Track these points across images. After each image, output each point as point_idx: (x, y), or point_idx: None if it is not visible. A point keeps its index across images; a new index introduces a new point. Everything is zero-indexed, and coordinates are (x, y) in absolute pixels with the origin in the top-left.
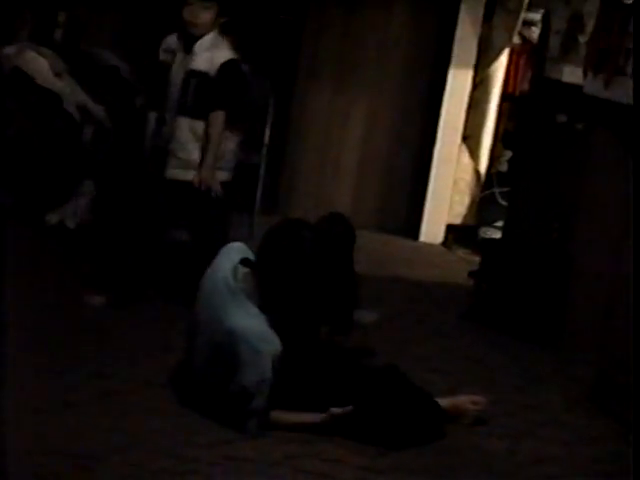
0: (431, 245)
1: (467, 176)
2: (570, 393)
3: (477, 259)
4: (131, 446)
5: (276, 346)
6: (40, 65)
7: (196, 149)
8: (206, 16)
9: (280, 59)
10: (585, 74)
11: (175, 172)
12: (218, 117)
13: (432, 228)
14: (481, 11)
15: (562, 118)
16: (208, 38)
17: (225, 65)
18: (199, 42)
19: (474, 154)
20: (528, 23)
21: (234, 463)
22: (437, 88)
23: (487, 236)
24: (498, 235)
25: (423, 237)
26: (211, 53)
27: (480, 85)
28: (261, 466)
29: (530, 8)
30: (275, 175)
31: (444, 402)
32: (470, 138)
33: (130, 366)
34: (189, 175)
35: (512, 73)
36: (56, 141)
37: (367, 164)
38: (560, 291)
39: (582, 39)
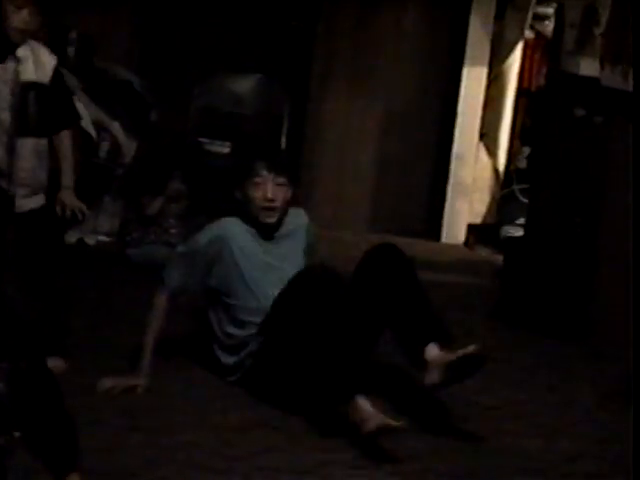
0: (453, 246)
1: (486, 174)
2: (602, 389)
3: (500, 258)
4: (163, 461)
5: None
6: None
7: (44, 172)
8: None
9: (293, 65)
10: (602, 66)
11: (25, 202)
12: (68, 132)
13: (453, 228)
14: (492, 8)
15: (580, 112)
16: (27, 44)
17: (57, 70)
18: (21, 49)
19: (492, 152)
20: (541, 17)
21: (268, 473)
22: (452, 87)
23: (509, 234)
24: (520, 232)
25: (445, 238)
26: (35, 59)
27: (495, 82)
28: (294, 476)
29: (542, 2)
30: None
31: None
32: (487, 136)
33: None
34: (41, 201)
35: (527, 68)
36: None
37: (385, 167)
38: (586, 286)
39: (597, 31)
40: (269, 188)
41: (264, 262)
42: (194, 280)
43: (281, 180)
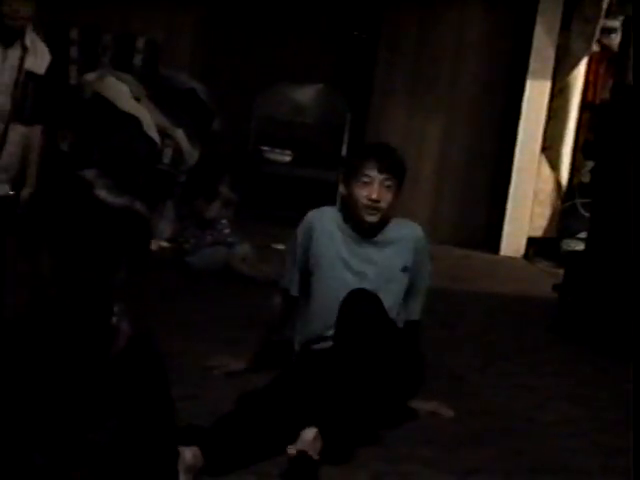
0: (512, 258)
1: (548, 187)
2: None
3: (560, 272)
4: None
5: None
6: (120, 90)
7: (32, 164)
8: (28, 9)
9: (355, 76)
10: None
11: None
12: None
13: (513, 241)
14: (558, 20)
15: None
16: (28, 34)
17: (51, 66)
18: (27, 37)
19: (554, 165)
20: (607, 30)
21: None
22: (515, 99)
23: (570, 248)
24: (581, 247)
25: (504, 250)
26: (33, 50)
27: (559, 95)
28: None
29: (609, 15)
30: None
31: (417, 404)
32: (550, 149)
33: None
34: (5, 190)
35: (592, 81)
36: (137, 165)
37: (445, 178)
38: None
39: None
40: (375, 188)
41: (342, 259)
42: (299, 269)
43: (389, 183)
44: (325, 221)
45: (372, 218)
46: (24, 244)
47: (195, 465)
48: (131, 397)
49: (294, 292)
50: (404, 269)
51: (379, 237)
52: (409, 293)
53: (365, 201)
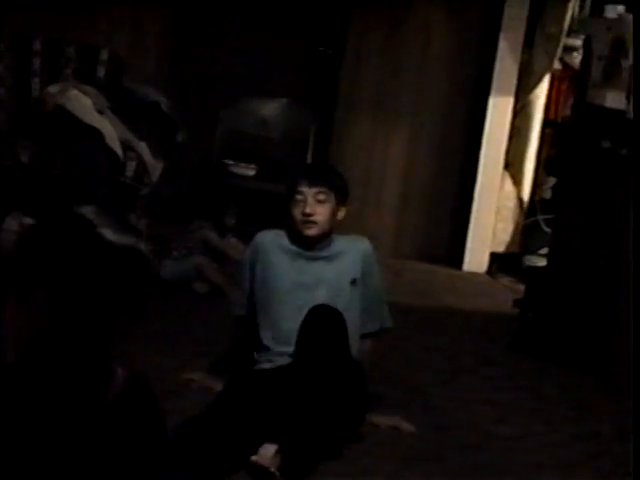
0: (475, 274)
1: (510, 204)
2: (621, 423)
3: (522, 287)
4: None
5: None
6: (83, 103)
7: None
8: None
9: (321, 91)
10: (628, 99)
11: None
12: None
13: (476, 256)
14: (521, 37)
15: (606, 144)
16: None
17: None
18: None
19: (517, 181)
20: (569, 48)
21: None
22: (478, 116)
23: (532, 264)
24: (543, 263)
25: (467, 266)
26: None
27: (521, 112)
28: None
29: (571, 34)
30: None
31: (378, 419)
32: (512, 165)
33: None
34: None
35: (554, 99)
36: (100, 177)
37: (409, 194)
38: (608, 319)
39: (625, 64)
40: (308, 202)
41: (293, 279)
42: (250, 290)
43: (322, 196)
44: (269, 242)
45: (310, 232)
46: (20, 283)
47: None
48: (130, 447)
49: (244, 315)
50: (353, 282)
51: (326, 252)
52: (367, 304)
53: (300, 217)
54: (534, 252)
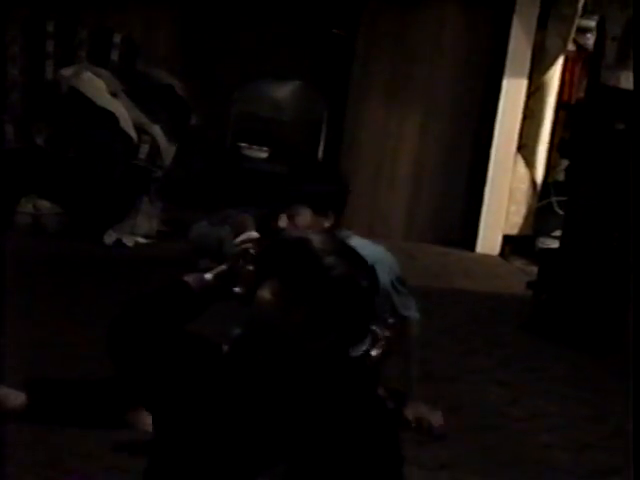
0: (488, 256)
1: (523, 186)
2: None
3: (535, 269)
4: None
5: None
6: (97, 85)
7: None
8: None
9: (333, 74)
10: None
11: None
12: None
13: (489, 239)
14: (535, 18)
15: (620, 125)
16: None
17: None
18: None
19: (530, 163)
20: (583, 30)
21: None
22: (491, 97)
23: (545, 246)
24: (556, 245)
25: (480, 248)
26: None
27: (535, 93)
28: None
29: (584, 15)
30: None
31: (408, 412)
32: (525, 147)
33: None
34: None
35: (567, 81)
36: (114, 160)
37: (421, 176)
38: (620, 301)
39: None
40: (280, 217)
41: None
42: None
43: (292, 211)
44: None
45: None
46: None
47: None
48: (305, 437)
49: None
50: None
51: None
52: None
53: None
54: (547, 234)
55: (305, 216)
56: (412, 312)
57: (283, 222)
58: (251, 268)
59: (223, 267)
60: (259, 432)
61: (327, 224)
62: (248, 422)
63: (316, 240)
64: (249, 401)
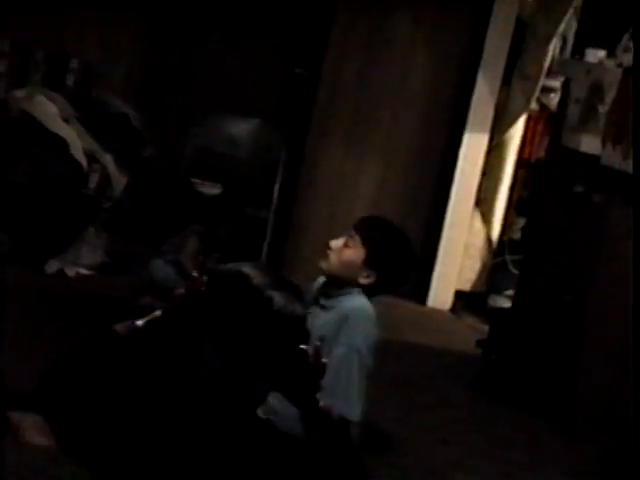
0: (439, 311)
1: (478, 242)
2: (578, 470)
3: (486, 327)
4: None
5: None
6: (49, 110)
7: None
8: None
9: (293, 114)
10: (603, 145)
11: None
12: None
13: (441, 293)
14: (500, 75)
15: (579, 188)
16: None
17: None
18: None
19: (487, 220)
20: (547, 89)
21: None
22: (451, 151)
23: (497, 304)
24: (508, 304)
25: (431, 302)
26: None
27: (495, 150)
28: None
29: (549, 74)
30: (283, 231)
31: None
32: (483, 203)
33: None
34: None
35: (529, 140)
36: (61, 187)
37: None
38: (571, 364)
39: (602, 109)
40: (337, 238)
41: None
42: None
43: (351, 242)
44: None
45: (321, 263)
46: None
47: None
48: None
49: None
50: (321, 339)
51: (329, 302)
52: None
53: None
54: (499, 292)
55: (357, 255)
56: (350, 410)
57: (336, 244)
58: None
59: (157, 314)
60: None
61: (364, 281)
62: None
63: (251, 273)
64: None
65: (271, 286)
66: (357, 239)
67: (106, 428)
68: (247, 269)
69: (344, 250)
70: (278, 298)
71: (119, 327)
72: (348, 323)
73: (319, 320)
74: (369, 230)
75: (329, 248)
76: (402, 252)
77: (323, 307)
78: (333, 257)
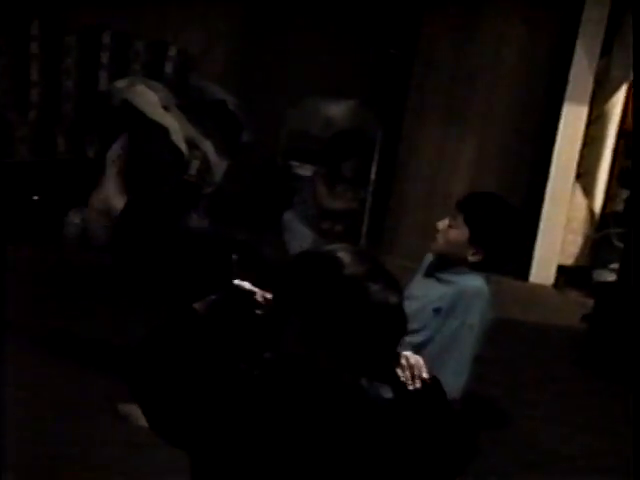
0: (542, 286)
1: (581, 215)
2: None
3: (590, 302)
4: None
5: None
6: (149, 98)
7: None
8: None
9: (389, 94)
10: None
11: None
12: None
13: (543, 269)
14: (599, 44)
15: None
16: None
17: None
18: None
19: (589, 192)
20: None
21: None
22: (550, 125)
23: (601, 278)
24: (613, 277)
25: (533, 278)
26: None
27: (596, 121)
28: None
29: None
30: (382, 210)
31: None
32: (584, 176)
33: None
34: None
35: (630, 109)
36: (164, 174)
37: None
38: None
39: None
40: (443, 220)
41: (413, 295)
42: None
43: (454, 222)
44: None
45: (432, 245)
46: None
47: None
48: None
49: None
50: (436, 310)
51: (443, 274)
52: (443, 350)
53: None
54: (604, 266)
55: (462, 234)
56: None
57: (441, 225)
58: (269, 296)
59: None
60: (296, 458)
61: (473, 258)
62: (285, 446)
63: (347, 259)
64: (283, 424)
65: (366, 275)
66: (460, 218)
67: (195, 409)
68: (342, 254)
69: (449, 230)
70: (373, 289)
71: (197, 305)
72: (464, 299)
73: (436, 292)
74: (471, 208)
75: (437, 230)
76: (507, 226)
77: (439, 280)
78: (440, 238)
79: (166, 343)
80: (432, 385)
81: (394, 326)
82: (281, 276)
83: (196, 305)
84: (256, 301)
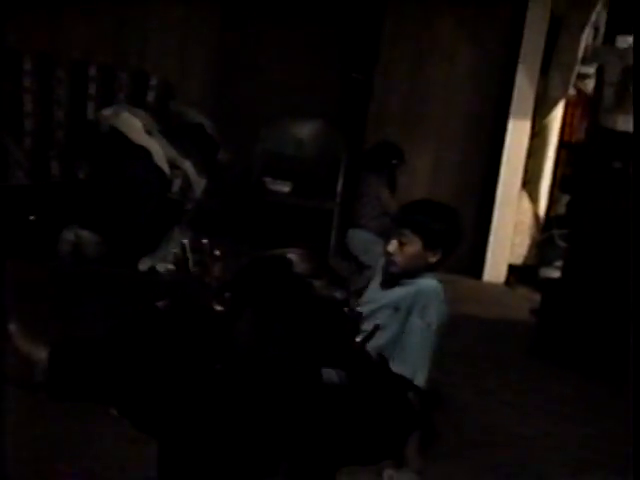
0: (494, 284)
1: (527, 219)
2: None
3: (538, 297)
4: None
5: None
6: (134, 125)
7: None
8: None
9: (352, 113)
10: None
11: None
12: None
13: (495, 268)
14: (538, 65)
15: (617, 164)
16: None
17: None
18: None
19: (534, 198)
20: (582, 76)
21: None
22: (498, 138)
23: (547, 275)
24: (557, 274)
25: (486, 277)
26: None
27: (538, 134)
28: None
29: (584, 62)
30: (347, 221)
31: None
32: (529, 183)
33: None
34: None
35: (568, 122)
36: (149, 193)
37: None
38: (618, 325)
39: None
40: (391, 242)
41: (372, 298)
42: None
43: (404, 239)
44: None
45: (391, 269)
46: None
47: None
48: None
49: None
50: (395, 309)
51: (404, 280)
52: (405, 346)
53: (385, 253)
54: (549, 264)
55: (415, 246)
56: (417, 374)
57: (392, 247)
58: (227, 295)
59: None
60: (256, 440)
61: (433, 260)
62: (246, 430)
63: (295, 260)
64: (244, 410)
65: (311, 273)
66: (407, 232)
67: (163, 400)
68: (292, 255)
69: (403, 248)
70: (317, 284)
71: (160, 303)
72: (422, 299)
73: (394, 294)
74: (414, 218)
75: (390, 254)
76: (449, 219)
77: (399, 284)
78: (397, 258)
79: (130, 336)
80: (380, 364)
81: (340, 319)
82: (238, 275)
83: (158, 303)
84: (216, 297)
